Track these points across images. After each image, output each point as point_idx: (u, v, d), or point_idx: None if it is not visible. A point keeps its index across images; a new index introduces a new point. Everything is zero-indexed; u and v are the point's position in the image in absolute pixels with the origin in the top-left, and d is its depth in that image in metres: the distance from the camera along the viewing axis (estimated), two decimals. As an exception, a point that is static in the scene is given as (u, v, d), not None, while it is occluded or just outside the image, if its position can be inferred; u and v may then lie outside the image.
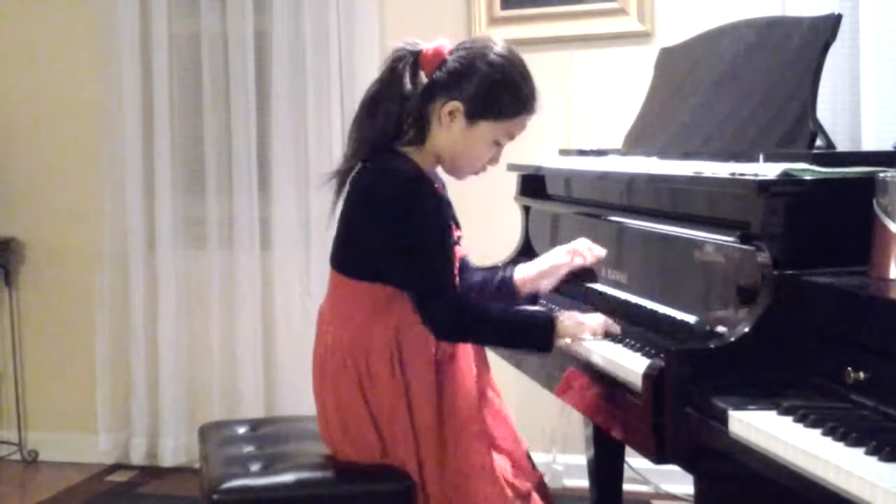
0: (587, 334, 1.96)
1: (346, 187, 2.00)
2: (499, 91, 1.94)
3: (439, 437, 1.99)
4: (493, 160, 2.03)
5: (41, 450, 4.02)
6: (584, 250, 2.16)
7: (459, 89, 1.94)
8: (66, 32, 3.91)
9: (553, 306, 2.28)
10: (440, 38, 2.01)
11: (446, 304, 1.92)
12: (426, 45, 1.98)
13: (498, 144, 2.00)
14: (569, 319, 1.97)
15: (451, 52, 1.97)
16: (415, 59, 1.97)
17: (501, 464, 2.04)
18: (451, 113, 1.95)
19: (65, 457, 3.97)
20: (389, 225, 1.91)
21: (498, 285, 2.20)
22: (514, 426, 2.13)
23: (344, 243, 2.02)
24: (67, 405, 3.99)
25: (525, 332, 1.98)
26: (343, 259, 2.02)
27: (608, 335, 1.96)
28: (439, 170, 2.07)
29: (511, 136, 2.00)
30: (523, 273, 2.21)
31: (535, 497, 2.07)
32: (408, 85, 1.94)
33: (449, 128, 1.96)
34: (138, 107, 3.77)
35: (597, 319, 1.99)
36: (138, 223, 3.79)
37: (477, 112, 1.94)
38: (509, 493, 2.01)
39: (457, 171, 2.04)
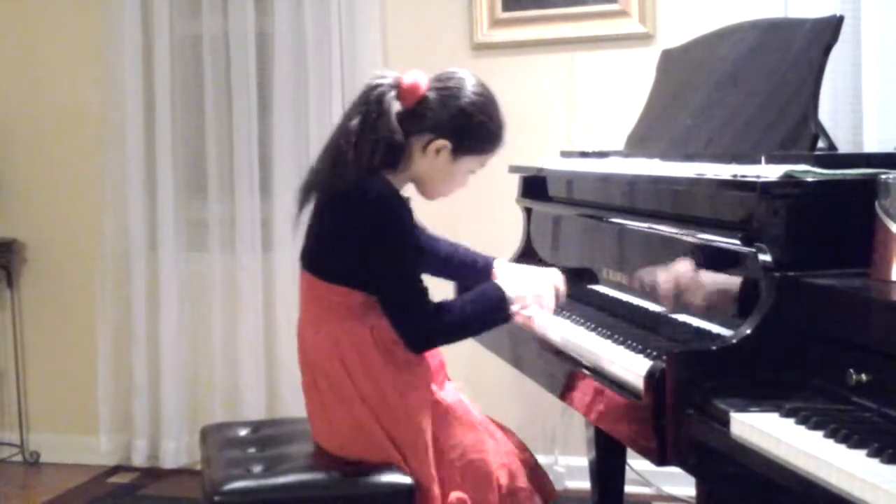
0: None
1: (325, 199, 2.07)
2: (481, 130, 2.08)
3: (437, 430, 2.04)
4: (464, 185, 2.17)
5: (43, 451, 4.03)
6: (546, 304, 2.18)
7: (447, 129, 2.05)
8: (68, 34, 3.91)
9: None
10: (414, 70, 2.08)
11: (419, 321, 2.01)
12: (403, 77, 2.05)
13: (472, 173, 2.15)
14: (517, 288, 2.11)
15: (429, 88, 2.06)
16: (396, 90, 2.04)
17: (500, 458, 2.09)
18: (438, 150, 2.06)
19: (66, 458, 3.97)
20: (370, 240, 1.99)
21: (478, 268, 2.34)
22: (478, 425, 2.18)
23: (329, 253, 2.07)
24: (69, 407, 3.99)
25: (489, 318, 2.10)
26: (330, 268, 2.07)
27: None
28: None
29: (483, 165, 2.15)
30: (501, 269, 2.32)
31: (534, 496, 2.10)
32: (391, 116, 2.02)
33: (434, 161, 2.07)
34: (140, 108, 3.77)
35: (543, 285, 2.15)
36: (140, 225, 3.80)
37: (462, 149, 2.07)
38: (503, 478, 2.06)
39: (432, 196, 2.17)
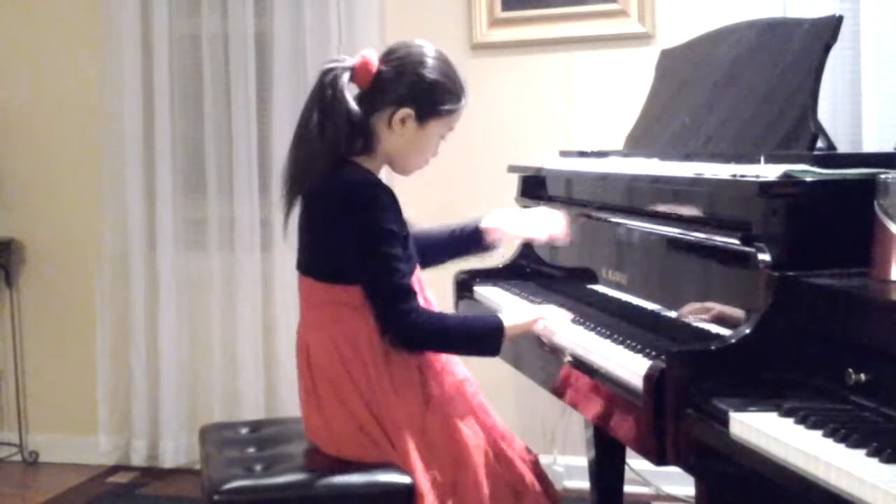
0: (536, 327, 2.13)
1: (309, 199, 2.07)
2: (441, 91, 2.07)
3: (429, 430, 2.03)
4: (436, 153, 2.16)
5: (42, 451, 4.03)
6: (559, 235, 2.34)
7: (407, 96, 2.05)
8: (67, 33, 3.91)
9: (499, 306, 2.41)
10: (364, 49, 2.11)
11: (404, 317, 2.00)
12: (353, 59, 2.07)
13: (441, 138, 2.14)
14: (513, 323, 2.10)
15: (381, 63, 2.07)
16: (349, 73, 2.05)
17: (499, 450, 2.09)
18: (403, 119, 2.06)
19: (65, 458, 3.97)
20: (357, 232, 2.00)
21: (466, 234, 2.36)
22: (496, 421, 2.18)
23: (319, 251, 2.08)
24: (68, 406, 3.99)
25: (477, 341, 2.08)
26: (321, 266, 2.08)
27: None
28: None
29: (451, 128, 2.14)
30: (494, 221, 2.36)
31: (534, 486, 2.10)
32: (348, 98, 2.03)
33: (402, 132, 2.07)
34: (139, 107, 3.77)
35: (539, 315, 2.14)
36: (139, 224, 3.79)
37: (426, 114, 2.07)
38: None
39: (408, 170, 2.16)
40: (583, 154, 2.80)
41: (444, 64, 2.09)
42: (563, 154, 2.92)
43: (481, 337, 2.07)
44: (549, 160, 2.76)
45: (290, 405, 3.64)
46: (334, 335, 2.04)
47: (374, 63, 2.06)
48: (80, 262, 3.93)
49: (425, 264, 2.24)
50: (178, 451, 3.82)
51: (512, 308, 2.21)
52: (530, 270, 2.70)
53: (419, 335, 2.03)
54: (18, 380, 4.00)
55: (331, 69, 2.04)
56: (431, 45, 2.11)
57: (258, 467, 2.10)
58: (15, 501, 3.66)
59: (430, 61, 2.07)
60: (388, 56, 2.08)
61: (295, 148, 2.08)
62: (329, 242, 2.05)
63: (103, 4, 3.76)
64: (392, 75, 2.05)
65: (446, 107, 2.08)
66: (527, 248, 2.74)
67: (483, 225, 2.36)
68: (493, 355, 2.10)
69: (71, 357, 3.98)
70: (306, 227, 2.10)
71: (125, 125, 3.76)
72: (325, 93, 2.03)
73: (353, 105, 2.02)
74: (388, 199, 2.01)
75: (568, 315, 2.15)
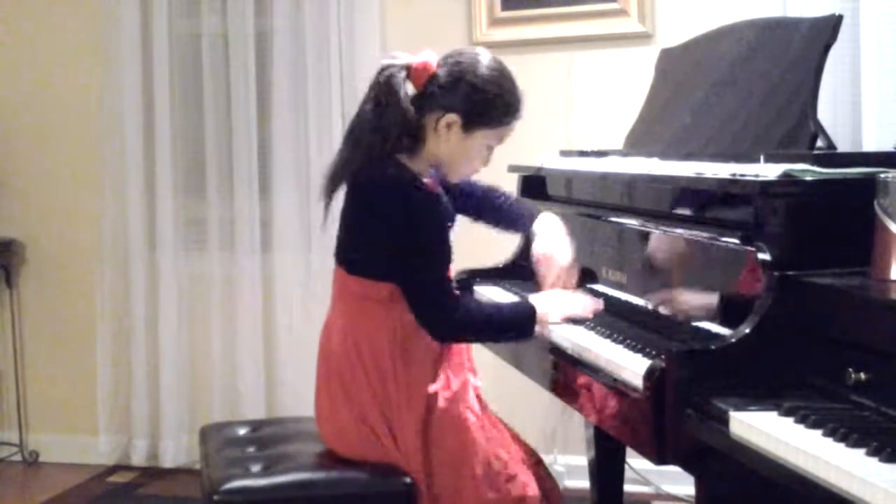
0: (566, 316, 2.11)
1: (350, 191, 2.07)
2: (492, 102, 2.06)
3: (434, 431, 2.04)
4: (486, 162, 2.15)
5: (42, 451, 4.03)
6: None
7: (455, 102, 2.04)
8: (67, 33, 3.91)
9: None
10: (425, 50, 2.10)
11: (443, 309, 2.02)
12: (413, 59, 2.07)
13: (490, 149, 2.12)
14: (547, 307, 2.10)
15: (439, 66, 2.07)
16: (406, 72, 2.05)
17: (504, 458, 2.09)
18: (448, 125, 2.05)
19: (65, 458, 3.97)
20: (390, 230, 2.00)
21: (513, 223, 2.38)
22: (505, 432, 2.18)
23: (351, 244, 2.08)
24: (68, 406, 3.99)
25: (512, 327, 2.09)
26: (352, 259, 2.08)
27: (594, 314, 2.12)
28: None
29: (501, 140, 2.13)
30: (543, 248, 2.30)
31: (536, 492, 2.10)
32: (401, 96, 2.02)
33: (447, 138, 2.06)
34: (139, 107, 3.77)
35: (574, 305, 2.12)
36: (139, 224, 3.80)
37: (473, 122, 2.06)
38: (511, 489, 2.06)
39: (454, 175, 2.15)
40: (583, 154, 2.80)
41: (501, 75, 2.08)
42: (563, 154, 2.92)
43: (515, 322, 2.07)
44: (549, 160, 2.76)
45: (290, 405, 3.65)
46: (356, 327, 2.05)
47: (433, 65, 2.06)
48: (80, 263, 3.93)
49: (462, 210, 2.30)
50: (178, 451, 3.82)
51: (548, 297, 2.16)
52: (530, 270, 2.69)
53: (456, 333, 2.06)
54: (18, 380, 4.00)
55: (387, 66, 2.05)
56: (489, 54, 2.10)
57: (258, 467, 2.10)
58: (15, 501, 3.66)
59: (485, 71, 2.05)
60: (445, 60, 2.08)
61: (347, 140, 2.09)
62: (361, 237, 2.06)
63: (103, 4, 3.76)
64: (445, 80, 2.05)
65: (494, 118, 2.06)
66: (527, 249, 2.74)
67: (534, 247, 2.31)
68: (528, 339, 2.10)
69: (71, 357, 3.98)
70: (346, 218, 2.10)
71: (125, 125, 3.76)
72: (380, 91, 2.04)
73: (408, 104, 2.02)
74: (421, 197, 2.01)
75: (600, 304, 2.15)
